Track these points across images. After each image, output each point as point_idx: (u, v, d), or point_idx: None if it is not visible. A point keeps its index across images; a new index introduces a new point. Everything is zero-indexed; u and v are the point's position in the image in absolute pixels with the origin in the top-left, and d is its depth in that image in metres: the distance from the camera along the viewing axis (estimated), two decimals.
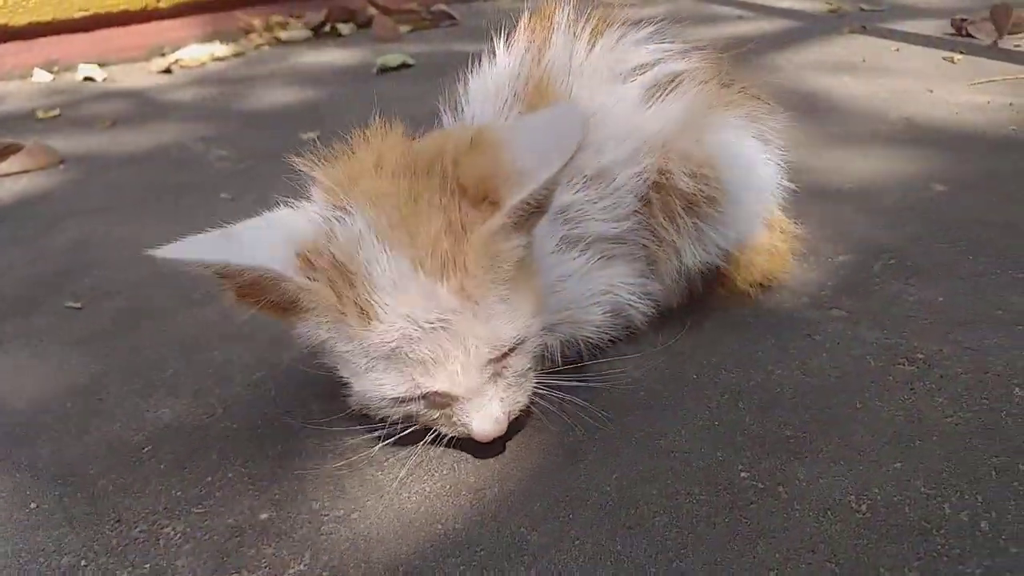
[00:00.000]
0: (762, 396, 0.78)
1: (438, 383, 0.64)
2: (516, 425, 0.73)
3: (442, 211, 0.64)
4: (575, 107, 0.65)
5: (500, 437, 0.69)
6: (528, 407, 0.72)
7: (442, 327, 0.62)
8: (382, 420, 0.70)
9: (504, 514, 0.66)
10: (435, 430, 0.70)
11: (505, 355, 0.65)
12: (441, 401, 0.67)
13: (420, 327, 0.62)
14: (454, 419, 0.67)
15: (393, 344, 0.62)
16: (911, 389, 0.77)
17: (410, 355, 0.63)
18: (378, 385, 0.65)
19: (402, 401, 0.66)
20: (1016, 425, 0.71)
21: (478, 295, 0.63)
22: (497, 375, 0.67)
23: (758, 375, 0.81)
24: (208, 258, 0.63)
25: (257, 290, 0.65)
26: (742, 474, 0.68)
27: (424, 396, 0.66)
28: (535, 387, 0.72)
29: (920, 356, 0.81)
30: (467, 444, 0.71)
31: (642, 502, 0.66)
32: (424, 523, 0.66)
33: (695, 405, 0.77)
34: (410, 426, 0.70)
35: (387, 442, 0.72)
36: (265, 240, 0.66)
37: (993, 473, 0.66)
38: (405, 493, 0.70)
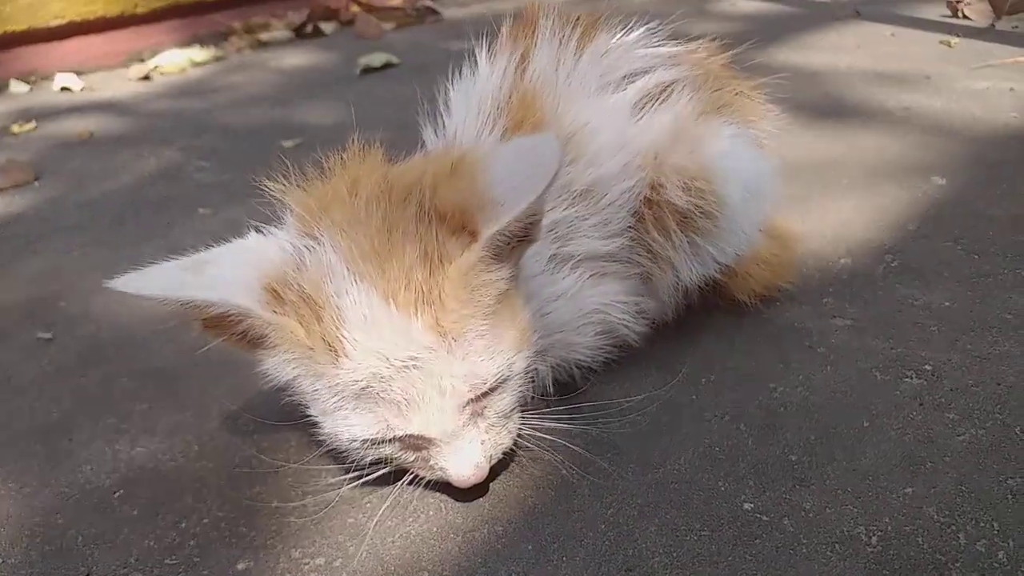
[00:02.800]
0: (764, 417, 0.74)
1: (411, 426, 0.60)
2: (499, 466, 0.69)
3: (418, 241, 0.60)
4: (552, 137, 0.61)
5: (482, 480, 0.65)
6: (513, 449, 0.68)
7: (415, 365, 0.58)
8: (357, 461, 0.66)
9: (494, 558, 0.62)
10: (413, 472, 0.66)
11: (485, 395, 0.61)
12: (417, 444, 0.63)
13: (391, 365, 0.58)
14: (431, 463, 0.63)
15: (363, 383, 0.58)
16: (920, 404, 0.73)
17: (382, 395, 0.59)
18: (348, 426, 0.61)
19: (375, 443, 0.62)
20: None
21: (455, 331, 0.58)
22: (478, 415, 0.63)
23: (759, 394, 0.77)
24: (170, 294, 0.60)
25: (223, 324, 0.62)
26: (745, 506, 0.65)
27: (398, 438, 0.62)
28: (521, 427, 0.67)
29: (928, 367, 0.78)
30: (447, 487, 0.67)
31: (640, 540, 0.62)
32: (408, 569, 0.63)
33: (693, 429, 0.73)
34: (386, 469, 0.66)
35: (367, 479, 0.68)
36: (231, 271, 0.62)
37: (1009, 496, 0.62)
38: (388, 537, 0.66)
